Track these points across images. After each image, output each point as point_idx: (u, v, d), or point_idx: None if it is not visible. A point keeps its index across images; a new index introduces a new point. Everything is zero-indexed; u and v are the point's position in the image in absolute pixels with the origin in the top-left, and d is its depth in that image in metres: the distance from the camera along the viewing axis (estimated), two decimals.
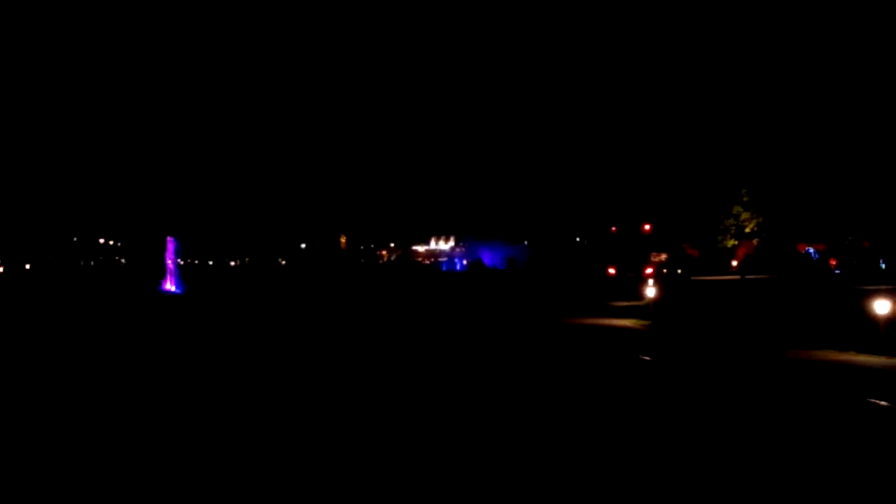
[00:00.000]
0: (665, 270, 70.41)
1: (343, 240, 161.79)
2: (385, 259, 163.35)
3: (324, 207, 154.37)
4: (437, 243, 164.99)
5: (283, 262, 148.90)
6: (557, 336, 23.11)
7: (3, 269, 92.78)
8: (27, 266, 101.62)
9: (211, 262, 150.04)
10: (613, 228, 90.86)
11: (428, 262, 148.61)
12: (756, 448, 9.37)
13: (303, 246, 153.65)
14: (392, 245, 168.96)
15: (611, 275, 66.01)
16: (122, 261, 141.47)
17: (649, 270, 68.73)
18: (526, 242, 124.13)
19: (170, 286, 54.46)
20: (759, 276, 61.51)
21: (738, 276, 62.25)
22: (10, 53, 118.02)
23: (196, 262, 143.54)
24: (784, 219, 79.12)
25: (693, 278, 61.47)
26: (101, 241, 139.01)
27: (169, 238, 56.41)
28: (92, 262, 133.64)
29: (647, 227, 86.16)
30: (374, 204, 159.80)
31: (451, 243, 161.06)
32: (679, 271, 69.19)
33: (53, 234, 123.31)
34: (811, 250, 75.04)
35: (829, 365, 16.47)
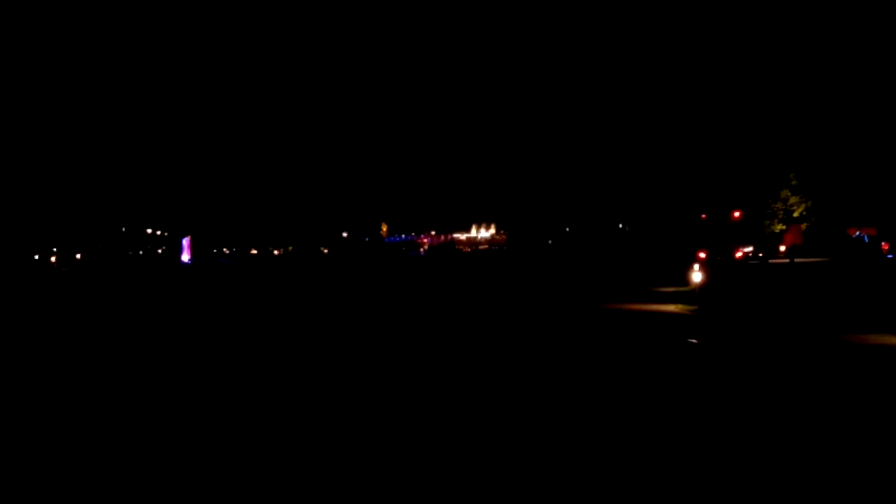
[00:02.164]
0: (750, 254, 70.82)
1: (385, 228, 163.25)
2: (426, 246, 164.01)
3: (365, 196, 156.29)
4: (477, 231, 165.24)
5: (326, 251, 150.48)
6: (598, 322, 22.90)
7: (56, 259, 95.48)
8: (78, 256, 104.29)
9: (254, 251, 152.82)
10: (703, 216, 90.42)
11: (468, 249, 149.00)
12: (804, 427, 9.20)
13: (344, 234, 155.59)
14: (433, 233, 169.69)
15: (701, 259, 65.82)
16: (160, 251, 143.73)
17: (739, 254, 69.14)
18: (567, 229, 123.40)
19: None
20: (808, 260, 60.23)
21: (786, 260, 61.07)
22: (65, 56, 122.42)
23: (234, 249, 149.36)
24: (833, 202, 77.25)
25: (771, 262, 60.99)
26: (149, 231, 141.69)
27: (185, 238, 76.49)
28: (140, 252, 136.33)
29: (736, 213, 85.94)
30: (414, 192, 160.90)
31: (493, 230, 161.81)
32: (760, 255, 69.07)
33: (103, 224, 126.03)
34: (862, 234, 73.14)
35: (881, 349, 16.08)
